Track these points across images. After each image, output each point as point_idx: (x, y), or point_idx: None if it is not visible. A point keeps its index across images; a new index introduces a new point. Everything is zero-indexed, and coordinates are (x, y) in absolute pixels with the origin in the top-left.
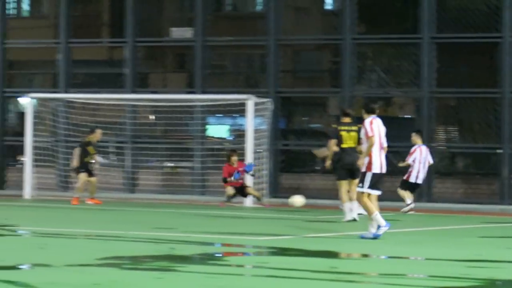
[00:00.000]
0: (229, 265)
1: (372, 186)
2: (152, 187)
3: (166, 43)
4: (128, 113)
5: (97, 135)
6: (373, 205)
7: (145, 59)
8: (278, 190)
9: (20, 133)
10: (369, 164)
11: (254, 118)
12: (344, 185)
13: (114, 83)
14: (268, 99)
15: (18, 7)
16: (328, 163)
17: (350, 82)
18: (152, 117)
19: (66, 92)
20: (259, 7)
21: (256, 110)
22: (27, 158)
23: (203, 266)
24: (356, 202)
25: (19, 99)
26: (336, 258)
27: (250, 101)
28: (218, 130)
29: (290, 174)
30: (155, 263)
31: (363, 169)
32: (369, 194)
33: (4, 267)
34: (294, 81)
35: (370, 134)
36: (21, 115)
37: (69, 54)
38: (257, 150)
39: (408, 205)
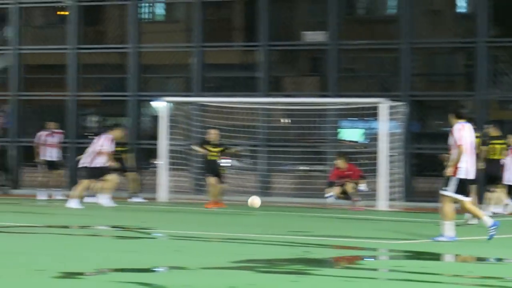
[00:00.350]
0: (364, 269)
1: (459, 191)
2: (285, 191)
3: (300, 47)
4: (262, 117)
5: (212, 135)
6: (468, 210)
7: (279, 63)
8: (412, 193)
9: (155, 137)
10: (456, 169)
11: (387, 122)
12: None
13: (247, 87)
14: (401, 103)
15: (152, 12)
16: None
17: (483, 86)
18: (285, 120)
19: (200, 96)
20: (392, 11)
21: (389, 114)
22: (162, 162)
23: (338, 270)
24: (490, 205)
25: (153, 103)
26: (470, 262)
27: (383, 105)
28: (351, 133)
29: (424, 177)
30: (290, 266)
31: (449, 173)
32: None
33: (140, 269)
34: (427, 84)
35: (459, 142)
36: (155, 119)
37: (202, 58)
38: (391, 154)
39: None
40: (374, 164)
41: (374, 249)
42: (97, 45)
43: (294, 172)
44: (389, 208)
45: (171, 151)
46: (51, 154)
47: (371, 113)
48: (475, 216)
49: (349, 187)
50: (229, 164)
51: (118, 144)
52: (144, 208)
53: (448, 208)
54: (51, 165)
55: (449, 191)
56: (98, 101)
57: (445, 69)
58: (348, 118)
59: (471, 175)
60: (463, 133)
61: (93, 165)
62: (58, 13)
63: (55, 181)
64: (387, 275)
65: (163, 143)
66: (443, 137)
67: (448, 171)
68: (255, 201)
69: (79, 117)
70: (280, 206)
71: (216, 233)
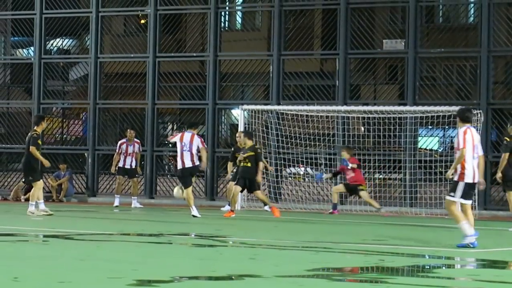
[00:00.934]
0: (439, 277)
1: (465, 195)
2: (361, 199)
3: (378, 55)
4: (340, 125)
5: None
6: (466, 215)
7: (357, 71)
8: (489, 202)
9: (232, 145)
10: (462, 174)
11: None
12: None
13: (325, 95)
14: (479, 111)
15: (231, 21)
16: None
17: None
18: (362, 128)
19: (278, 104)
20: (471, 19)
21: None
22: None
23: (412, 278)
24: None
25: (231, 110)
26: None
27: None
28: (428, 141)
29: (500, 186)
30: (365, 274)
31: (455, 178)
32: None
33: (216, 277)
34: (506, 92)
35: (461, 145)
36: (232, 127)
37: (281, 66)
38: None
39: None
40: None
41: (448, 258)
42: (176, 53)
43: (371, 180)
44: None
45: None
46: (129, 162)
47: (449, 121)
48: (456, 220)
49: (364, 195)
50: (302, 172)
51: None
52: (220, 216)
53: (455, 211)
54: (129, 173)
55: (457, 197)
56: (176, 109)
57: None
58: (426, 127)
59: (476, 179)
60: (467, 137)
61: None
62: (138, 21)
63: (132, 189)
64: (462, 283)
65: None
66: None
67: (450, 174)
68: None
69: (157, 125)
70: (355, 214)
71: (290, 241)
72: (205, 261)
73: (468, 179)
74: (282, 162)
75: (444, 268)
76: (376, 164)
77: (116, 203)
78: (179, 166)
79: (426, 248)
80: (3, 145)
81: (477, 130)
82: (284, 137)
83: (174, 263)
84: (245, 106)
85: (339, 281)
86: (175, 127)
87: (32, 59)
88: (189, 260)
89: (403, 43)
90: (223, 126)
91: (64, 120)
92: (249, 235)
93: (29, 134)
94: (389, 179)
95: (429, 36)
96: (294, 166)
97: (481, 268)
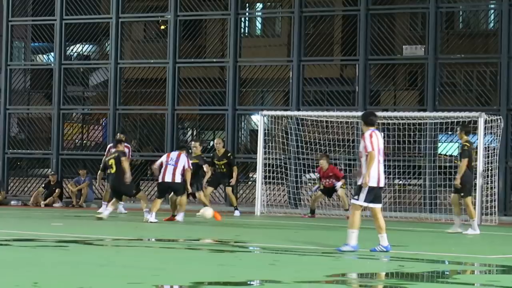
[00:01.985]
0: (459, 283)
1: (371, 199)
2: (383, 205)
3: (398, 61)
4: (359, 131)
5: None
6: (376, 218)
7: (377, 77)
8: (509, 208)
9: (252, 151)
10: (367, 178)
11: (485, 136)
12: None
13: (345, 101)
14: (499, 117)
15: (251, 27)
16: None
17: None
18: (382, 134)
19: (297, 109)
20: (491, 25)
21: (487, 128)
22: (258, 176)
23: (432, 284)
24: None
25: (251, 116)
26: None
27: (481, 119)
28: (448, 147)
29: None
30: (385, 280)
31: (360, 182)
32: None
33: (236, 283)
34: None
35: (369, 149)
36: (252, 133)
37: (301, 72)
38: (488, 168)
39: None
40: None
41: (468, 264)
42: (196, 59)
43: (390, 186)
44: (484, 222)
45: (268, 165)
46: None
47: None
48: (350, 225)
49: (341, 192)
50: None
51: None
52: (240, 221)
53: (356, 217)
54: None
55: (360, 200)
56: (196, 115)
57: None
58: (446, 132)
59: (382, 183)
60: (373, 140)
61: None
62: (158, 27)
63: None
64: None
65: (261, 157)
66: None
67: (359, 179)
68: (206, 212)
69: (177, 131)
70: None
71: (310, 247)
72: (225, 267)
73: (372, 183)
74: (302, 167)
75: (464, 274)
76: (396, 170)
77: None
78: (160, 179)
79: (446, 254)
80: (23, 151)
81: (497, 136)
82: (303, 142)
83: (193, 269)
84: (264, 112)
85: (358, 287)
86: (195, 133)
87: (52, 64)
88: (209, 265)
89: (423, 49)
90: (242, 132)
91: (84, 126)
92: (269, 241)
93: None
94: (409, 185)
95: (449, 42)
96: (314, 172)
97: (500, 274)
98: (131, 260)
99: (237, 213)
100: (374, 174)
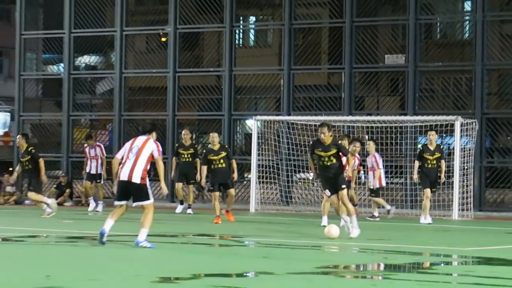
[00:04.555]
0: (438, 273)
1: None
2: (366, 202)
3: (381, 69)
4: (345, 134)
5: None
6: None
7: (361, 84)
8: (483, 204)
9: (246, 153)
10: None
11: (461, 138)
12: None
13: (332, 106)
14: (474, 120)
15: (245, 38)
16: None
17: None
18: (366, 137)
19: (288, 114)
20: (467, 35)
21: (463, 130)
22: (253, 176)
23: (413, 274)
24: None
25: (246, 121)
26: None
27: (458, 122)
28: None
29: (494, 189)
30: (369, 272)
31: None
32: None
33: (231, 274)
34: (499, 103)
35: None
36: (247, 136)
37: (291, 80)
38: (464, 167)
39: None
40: (448, 177)
41: (447, 256)
42: (194, 68)
43: None
44: (461, 217)
45: (261, 166)
46: (95, 166)
47: (446, 130)
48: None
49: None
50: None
51: None
52: (236, 218)
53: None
54: (95, 178)
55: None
56: (195, 120)
57: None
58: (425, 135)
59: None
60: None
61: None
62: (159, 39)
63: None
64: (459, 279)
65: (255, 158)
66: None
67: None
68: (332, 231)
69: (177, 135)
70: (361, 215)
71: (301, 241)
72: (222, 260)
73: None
74: (293, 168)
75: (442, 265)
76: None
77: (91, 207)
78: (118, 177)
79: (426, 247)
80: None
81: (472, 138)
82: (294, 145)
83: (193, 262)
84: (258, 117)
85: (345, 277)
86: (194, 136)
87: (62, 74)
88: (208, 258)
89: (404, 58)
90: (238, 135)
91: (92, 130)
92: (263, 236)
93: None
94: (391, 183)
95: (427, 51)
96: (304, 172)
97: (476, 264)
98: (135, 254)
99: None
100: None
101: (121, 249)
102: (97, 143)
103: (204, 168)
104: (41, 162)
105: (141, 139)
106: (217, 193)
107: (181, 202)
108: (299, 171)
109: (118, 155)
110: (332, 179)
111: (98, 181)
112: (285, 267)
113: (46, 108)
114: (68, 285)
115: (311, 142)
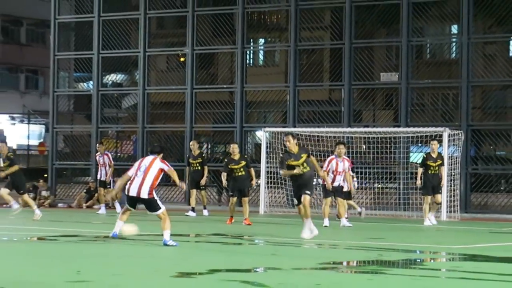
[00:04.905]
0: (427, 269)
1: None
2: (365, 205)
3: (376, 86)
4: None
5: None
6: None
7: (359, 99)
8: (469, 206)
9: (256, 160)
10: None
11: (449, 147)
12: None
13: (333, 119)
14: (460, 131)
15: (255, 58)
16: None
17: None
18: (364, 146)
19: (294, 126)
20: (454, 55)
21: (450, 140)
22: (262, 181)
23: (406, 270)
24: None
25: (256, 132)
26: None
27: (446, 133)
28: (419, 157)
29: (479, 193)
30: (366, 267)
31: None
32: None
33: (242, 269)
34: (483, 116)
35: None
36: (257, 146)
37: (296, 95)
38: (451, 173)
39: None
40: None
41: (435, 253)
42: (210, 85)
43: (372, 189)
44: (449, 219)
45: (269, 172)
46: (103, 173)
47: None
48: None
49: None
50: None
51: None
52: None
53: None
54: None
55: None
56: (210, 131)
57: (498, 103)
58: (417, 144)
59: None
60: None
61: None
62: (178, 59)
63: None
64: (446, 274)
65: (263, 166)
66: (495, 159)
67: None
68: (126, 229)
69: None
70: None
71: (306, 240)
72: (235, 257)
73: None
74: None
75: (432, 261)
76: (375, 175)
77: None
78: (128, 191)
79: (417, 245)
80: (68, 162)
81: (458, 147)
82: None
83: (208, 259)
84: (267, 129)
85: (344, 272)
86: (209, 146)
87: (91, 91)
88: (222, 255)
89: (397, 76)
90: (248, 145)
91: (118, 141)
92: (271, 235)
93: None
94: (386, 187)
95: (418, 69)
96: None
97: (463, 261)
98: (155, 252)
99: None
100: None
101: (143, 247)
102: (106, 152)
103: (224, 174)
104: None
105: (148, 158)
106: (235, 199)
107: (193, 209)
108: None
109: (129, 173)
110: (303, 186)
111: (108, 186)
112: (291, 263)
113: (77, 121)
114: (95, 279)
115: (280, 157)
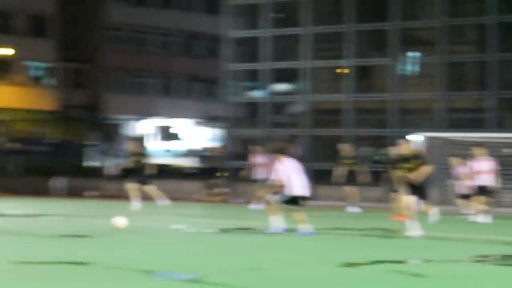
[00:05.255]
0: None
1: None
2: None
3: None
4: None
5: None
6: None
7: (505, 107)
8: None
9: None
10: None
11: None
12: None
13: (478, 125)
14: None
15: (407, 69)
16: None
17: None
18: (507, 150)
19: (445, 131)
20: None
21: None
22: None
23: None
24: None
25: (409, 136)
26: None
27: None
28: None
29: None
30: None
31: None
32: None
33: (402, 261)
34: None
35: None
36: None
37: (447, 103)
38: None
39: None
40: None
41: None
42: (367, 93)
43: None
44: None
45: None
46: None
47: None
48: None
49: None
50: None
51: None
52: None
53: None
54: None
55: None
56: (366, 136)
57: None
58: None
59: None
60: None
61: None
62: (338, 71)
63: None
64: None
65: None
66: None
67: None
68: (118, 222)
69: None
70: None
71: (457, 235)
72: (389, 250)
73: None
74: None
75: None
76: None
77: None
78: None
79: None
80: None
81: None
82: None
83: (368, 251)
84: (422, 133)
85: (497, 265)
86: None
87: (262, 98)
88: (378, 249)
89: None
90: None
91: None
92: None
93: None
94: None
95: None
96: None
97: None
98: (323, 245)
99: None
100: None
101: (314, 240)
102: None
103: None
104: None
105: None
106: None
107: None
108: None
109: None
110: None
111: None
112: (443, 256)
113: (249, 125)
114: (267, 268)
115: None
